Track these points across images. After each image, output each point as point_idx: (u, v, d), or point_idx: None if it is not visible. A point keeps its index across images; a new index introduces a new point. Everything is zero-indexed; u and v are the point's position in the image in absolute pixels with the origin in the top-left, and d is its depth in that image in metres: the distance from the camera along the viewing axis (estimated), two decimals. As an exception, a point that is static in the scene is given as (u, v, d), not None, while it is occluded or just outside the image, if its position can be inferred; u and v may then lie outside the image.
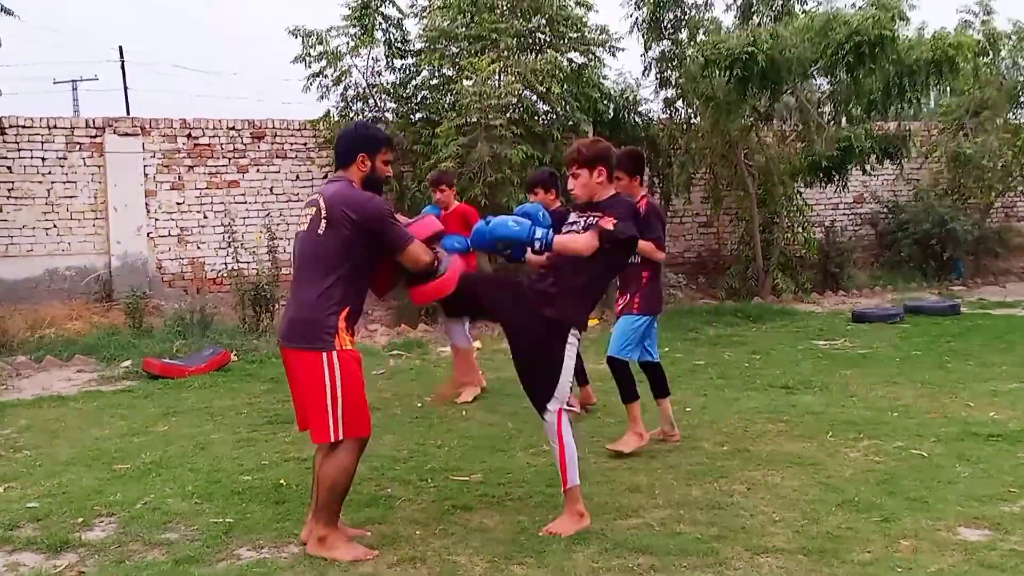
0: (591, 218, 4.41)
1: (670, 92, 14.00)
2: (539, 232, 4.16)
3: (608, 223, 4.26)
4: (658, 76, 13.78)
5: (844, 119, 13.69)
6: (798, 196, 14.34)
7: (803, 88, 13.54)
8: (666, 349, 9.74)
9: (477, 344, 7.77)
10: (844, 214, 16.97)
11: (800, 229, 14.27)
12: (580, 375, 6.97)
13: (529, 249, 4.21)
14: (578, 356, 6.98)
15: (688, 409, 6.89)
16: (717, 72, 12.10)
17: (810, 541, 4.10)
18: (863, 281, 15.39)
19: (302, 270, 4.16)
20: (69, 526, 4.63)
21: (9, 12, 11.07)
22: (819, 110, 13.86)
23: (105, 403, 7.88)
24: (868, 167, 13.81)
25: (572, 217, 4.61)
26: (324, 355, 4.01)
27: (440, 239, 4.40)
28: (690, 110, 14.13)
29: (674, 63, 13.36)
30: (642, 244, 5.50)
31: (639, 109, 13.89)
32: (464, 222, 6.84)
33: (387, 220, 4.11)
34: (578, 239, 4.31)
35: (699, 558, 3.95)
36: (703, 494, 4.84)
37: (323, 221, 4.06)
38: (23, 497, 5.14)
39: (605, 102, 13.12)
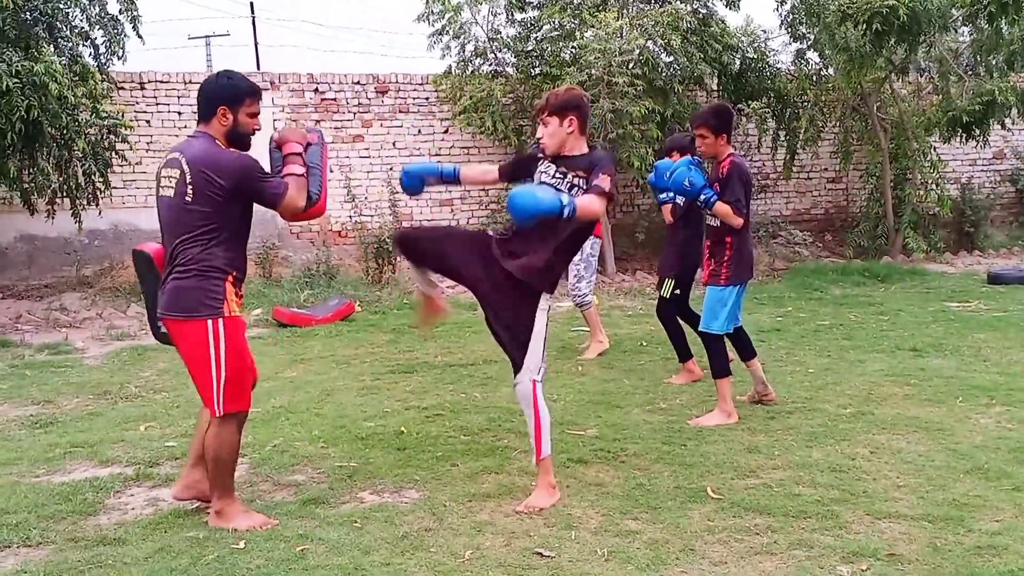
0: (575, 178, 4.17)
1: (802, 44, 13.57)
2: (565, 199, 3.83)
3: (605, 182, 4.03)
4: (789, 29, 13.37)
5: (983, 71, 13.02)
6: (932, 151, 13.74)
7: (941, 39, 12.90)
8: (789, 309, 9.58)
9: (594, 299, 7.75)
10: (982, 171, 16.18)
11: (934, 186, 13.68)
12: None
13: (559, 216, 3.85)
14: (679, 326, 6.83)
15: (811, 371, 6.75)
16: (853, 26, 11.65)
17: (935, 508, 3.99)
18: (1000, 241, 14.75)
19: (174, 238, 3.83)
20: (204, 465, 4.87)
21: None
22: (957, 62, 13.19)
23: (237, 349, 8.21)
24: (1009, 122, 13.12)
25: (544, 170, 4.28)
26: (209, 322, 3.79)
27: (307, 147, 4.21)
28: (822, 61, 13.66)
29: (810, 17, 12.88)
30: (719, 207, 5.38)
31: (768, 60, 13.50)
32: None
33: (258, 179, 3.89)
34: (594, 202, 4.01)
35: (818, 520, 3.88)
36: (824, 456, 4.75)
37: (189, 188, 3.77)
38: (162, 436, 5.44)
39: (731, 53, 12.80)
